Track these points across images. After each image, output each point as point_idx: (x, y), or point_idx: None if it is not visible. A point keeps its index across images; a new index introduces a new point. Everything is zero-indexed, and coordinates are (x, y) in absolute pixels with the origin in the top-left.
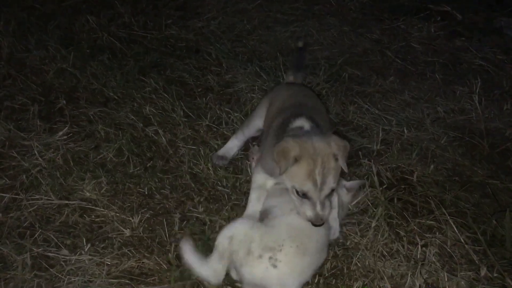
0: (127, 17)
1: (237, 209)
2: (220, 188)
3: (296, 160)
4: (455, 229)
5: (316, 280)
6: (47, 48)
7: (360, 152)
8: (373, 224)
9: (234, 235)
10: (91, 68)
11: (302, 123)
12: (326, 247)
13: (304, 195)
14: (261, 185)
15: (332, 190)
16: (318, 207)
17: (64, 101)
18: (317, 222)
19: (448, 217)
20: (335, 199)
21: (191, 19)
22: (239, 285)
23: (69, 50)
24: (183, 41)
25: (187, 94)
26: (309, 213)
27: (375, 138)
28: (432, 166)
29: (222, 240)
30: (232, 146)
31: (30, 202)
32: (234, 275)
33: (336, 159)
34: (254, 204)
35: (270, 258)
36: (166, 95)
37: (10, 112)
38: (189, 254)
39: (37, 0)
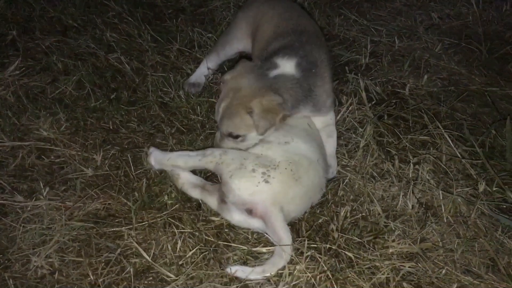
0: None
1: (213, 138)
2: (193, 117)
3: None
4: (451, 143)
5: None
6: None
7: (347, 67)
8: (362, 144)
9: (228, 151)
10: None
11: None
12: (321, 190)
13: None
14: None
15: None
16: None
17: (15, 32)
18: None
19: (443, 131)
20: (333, 135)
21: None
22: (213, 218)
23: None
24: None
25: (155, 17)
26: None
27: (364, 51)
28: (425, 77)
29: (214, 150)
30: (205, 70)
31: None
32: (211, 203)
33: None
34: None
35: (263, 173)
36: (131, 19)
37: None
38: (157, 151)
39: None
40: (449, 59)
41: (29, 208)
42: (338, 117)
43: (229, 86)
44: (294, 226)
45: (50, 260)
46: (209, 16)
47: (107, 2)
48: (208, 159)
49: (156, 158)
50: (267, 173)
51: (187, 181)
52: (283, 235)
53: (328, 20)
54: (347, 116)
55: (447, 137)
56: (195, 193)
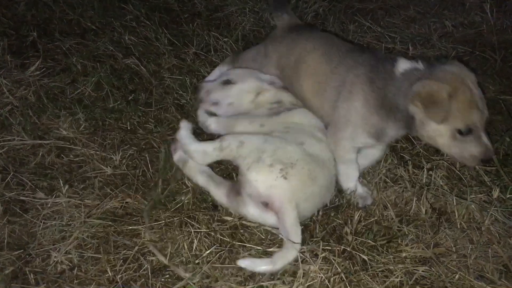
0: None
1: None
2: None
3: (451, 96)
4: None
5: (315, 213)
6: None
7: None
8: None
9: (246, 142)
10: None
11: (409, 64)
12: (332, 190)
13: (468, 131)
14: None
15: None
16: (485, 137)
17: (35, 34)
18: (490, 154)
19: None
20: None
21: None
22: (228, 218)
23: None
24: None
25: (172, 21)
26: (478, 149)
27: None
28: None
29: (232, 141)
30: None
31: (1, 143)
32: (215, 193)
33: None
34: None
35: (281, 170)
36: (148, 23)
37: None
38: (185, 131)
39: None
40: None
41: (49, 205)
42: None
43: None
44: (308, 227)
45: (70, 256)
46: (224, 21)
47: (125, 6)
48: (225, 152)
49: (181, 136)
50: (285, 169)
51: (194, 166)
52: (294, 232)
53: (343, 26)
54: None
55: None
56: (201, 179)
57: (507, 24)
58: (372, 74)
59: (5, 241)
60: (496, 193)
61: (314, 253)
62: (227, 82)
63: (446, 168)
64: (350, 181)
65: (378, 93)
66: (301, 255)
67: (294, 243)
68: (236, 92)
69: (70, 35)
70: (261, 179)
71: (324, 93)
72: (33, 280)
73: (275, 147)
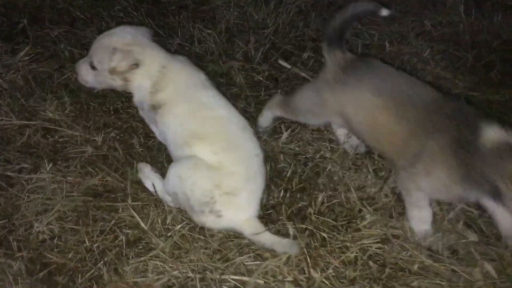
0: None
1: None
2: None
3: None
4: None
5: (281, 195)
6: None
7: None
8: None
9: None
10: None
11: (499, 135)
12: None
13: None
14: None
15: None
16: None
17: (26, 21)
18: None
19: None
20: None
21: None
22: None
23: None
24: None
25: (159, 12)
26: None
27: (355, 53)
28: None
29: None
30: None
31: None
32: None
33: None
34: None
35: (210, 212)
36: (136, 14)
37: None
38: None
39: None
40: (436, 64)
41: (33, 181)
42: None
43: None
44: (275, 208)
45: (51, 227)
46: (210, 14)
47: None
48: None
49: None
50: (212, 209)
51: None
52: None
53: (324, 23)
54: None
55: None
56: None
57: (483, 24)
58: (456, 146)
59: None
60: None
61: (281, 232)
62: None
63: None
64: (424, 224)
65: (464, 166)
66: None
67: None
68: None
69: (59, 23)
70: (210, 226)
71: (403, 152)
72: (16, 247)
73: (185, 191)
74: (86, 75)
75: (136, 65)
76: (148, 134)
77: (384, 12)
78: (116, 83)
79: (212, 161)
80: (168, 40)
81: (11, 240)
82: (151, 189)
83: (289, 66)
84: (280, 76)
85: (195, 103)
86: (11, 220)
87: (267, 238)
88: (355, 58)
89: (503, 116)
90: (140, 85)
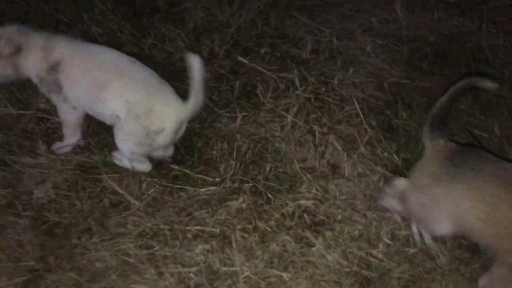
0: None
1: None
2: None
3: None
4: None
5: (236, 166)
6: None
7: (289, 60)
8: (290, 119)
9: None
10: None
11: None
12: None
13: None
14: None
15: None
16: None
17: None
18: None
19: (360, 111)
20: None
21: None
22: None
23: None
24: None
25: (135, 14)
26: None
27: (305, 48)
28: (351, 70)
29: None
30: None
31: None
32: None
33: None
34: None
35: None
36: (113, 17)
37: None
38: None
39: None
40: (376, 57)
41: (31, 159)
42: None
43: None
44: (231, 177)
45: (48, 193)
46: (180, 16)
47: (93, 1)
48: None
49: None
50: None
51: None
52: None
53: (282, 21)
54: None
55: (361, 114)
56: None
57: (424, 20)
58: None
59: None
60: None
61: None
62: None
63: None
64: None
65: None
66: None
67: None
68: None
69: (45, 27)
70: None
71: None
72: (21, 208)
73: None
74: None
75: (19, 48)
76: None
77: (493, 85)
78: (7, 70)
79: (122, 105)
80: (142, 40)
81: (16, 203)
82: (126, 166)
83: (246, 62)
84: (240, 70)
85: (86, 55)
86: (15, 189)
87: None
88: (459, 146)
89: (430, 100)
90: (32, 60)
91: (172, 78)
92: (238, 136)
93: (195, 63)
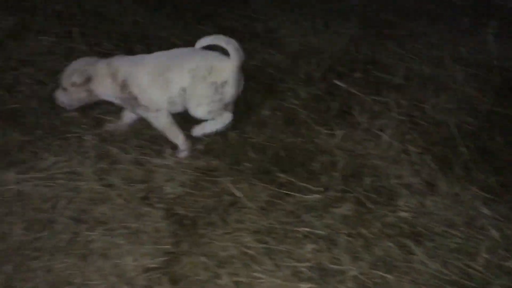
0: None
1: None
2: None
3: None
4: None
5: (338, 177)
6: (121, 2)
7: (383, 86)
8: (385, 139)
9: None
10: (158, 19)
11: None
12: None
13: None
14: None
15: None
16: None
17: (140, 46)
18: None
19: (454, 135)
20: None
21: None
22: None
23: (139, 4)
24: None
25: (237, 40)
26: None
27: (398, 74)
28: (443, 96)
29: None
30: None
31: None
32: None
33: None
34: None
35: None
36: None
37: (102, 57)
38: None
39: None
40: (467, 85)
41: (160, 161)
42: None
43: None
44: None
45: (176, 190)
46: (277, 41)
47: (201, 27)
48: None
49: None
50: None
51: None
52: None
53: (373, 49)
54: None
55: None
56: None
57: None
58: None
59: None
60: None
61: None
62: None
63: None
64: None
65: None
66: None
67: None
68: None
69: (162, 49)
70: None
71: None
72: (155, 201)
73: None
74: (61, 97)
75: (89, 78)
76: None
77: None
78: (82, 94)
79: (186, 75)
80: (246, 61)
81: (151, 196)
82: (211, 130)
83: (343, 85)
84: (336, 93)
85: (141, 60)
86: (149, 184)
87: None
88: None
89: None
90: (104, 86)
91: (273, 96)
92: (337, 151)
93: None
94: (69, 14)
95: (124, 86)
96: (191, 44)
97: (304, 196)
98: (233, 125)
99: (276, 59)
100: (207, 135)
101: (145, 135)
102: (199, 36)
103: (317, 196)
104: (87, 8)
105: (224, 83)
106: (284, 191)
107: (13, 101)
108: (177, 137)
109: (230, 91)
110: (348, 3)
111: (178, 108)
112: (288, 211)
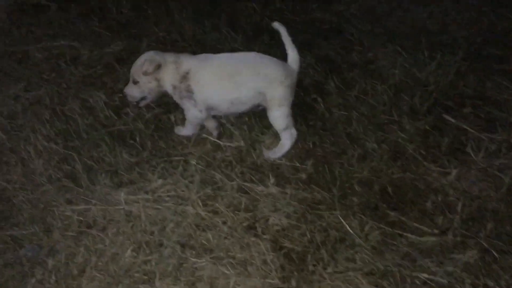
0: (278, 3)
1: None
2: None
3: None
4: None
5: (456, 220)
6: (220, 31)
7: (496, 123)
8: (507, 181)
9: None
10: (256, 47)
11: None
12: None
13: None
14: None
15: None
16: None
17: None
18: None
19: None
20: None
21: (333, 3)
22: None
23: (237, 32)
24: (327, 23)
25: (335, 69)
26: None
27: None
28: None
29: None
30: None
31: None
32: None
33: None
34: None
35: None
36: (318, 69)
37: None
38: None
39: None
40: None
41: (264, 191)
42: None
43: None
44: (447, 230)
45: (281, 221)
46: (377, 72)
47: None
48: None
49: None
50: None
51: None
52: None
53: (481, 84)
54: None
55: None
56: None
57: None
58: None
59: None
60: None
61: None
62: None
63: None
64: None
65: None
66: None
67: None
68: None
69: None
70: None
71: None
72: (260, 231)
73: None
74: (132, 91)
75: (159, 65)
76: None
77: None
78: (152, 84)
79: (262, 80)
80: (347, 92)
81: (257, 226)
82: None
83: (453, 120)
84: (444, 128)
85: (210, 60)
86: (254, 213)
87: None
88: None
89: None
90: (168, 73)
91: (377, 128)
92: (451, 191)
93: (280, 29)
94: (171, 40)
95: (184, 77)
96: None
97: (419, 238)
98: (337, 156)
99: (378, 91)
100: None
101: (248, 162)
102: None
103: (433, 239)
104: (188, 36)
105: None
106: (397, 231)
107: (121, 122)
108: (189, 132)
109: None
110: (451, 36)
111: (242, 108)
112: (403, 253)
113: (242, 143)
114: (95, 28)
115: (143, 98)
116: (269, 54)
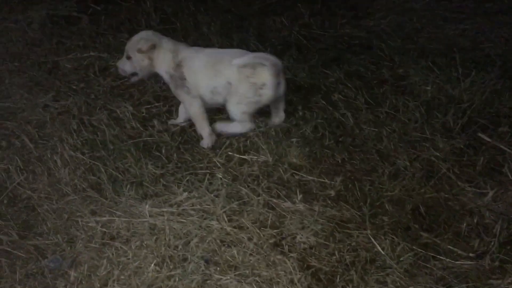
0: (306, 18)
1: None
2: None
3: None
4: None
5: (493, 243)
6: (248, 45)
7: None
8: None
9: None
10: (284, 61)
11: None
12: None
13: None
14: None
15: None
16: None
17: None
18: None
19: None
20: None
21: (362, 19)
22: None
23: (265, 46)
24: (356, 38)
25: (364, 85)
26: None
27: None
28: None
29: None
30: None
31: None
32: None
33: None
34: None
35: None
36: (348, 84)
37: None
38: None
39: (232, 3)
40: None
41: (291, 207)
42: None
43: None
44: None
45: (309, 239)
46: (408, 89)
47: (326, 71)
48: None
49: None
50: None
51: None
52: None
53: None
54: None
55: None
56: None
57: None
58: None
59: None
60: None
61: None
62: None
63: None
64: None
65: None
66: None
67: None
68: None
69: (289, 91)
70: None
71: None
72: (287, 249)
73: None
74: (124, 65)
75: (154, 45)
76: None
77: None
78: (144, 62)
79: (234, 71)
80: (377, 108)
81: (283, 244)
82: (235, 131)
83: (489, 139)
84: (480, 147)
85: (201, 50)
86: (280, 230)
87: None
88: None
89: None
90: (163, 59)
91: (408, 146)
92: (487, 213)
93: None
94: None
95: (179, 65)
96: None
97: (453, 261)
98: (367, 174)
99: (409, 107)
100: (227, 135)
101: (275, 177)
102: (322, 80)
103: (469, 263)
104: None
105: (262, 85)
106: (431, 254)
107: (147, 134)
108: (204, 128)
109: (267, 94)
110: (485, 53)
111: (219, 100)
112: (437, 277)
113: (269, 158)
114: (124, 40)
115: (133, 74)
116: (297, 70)
